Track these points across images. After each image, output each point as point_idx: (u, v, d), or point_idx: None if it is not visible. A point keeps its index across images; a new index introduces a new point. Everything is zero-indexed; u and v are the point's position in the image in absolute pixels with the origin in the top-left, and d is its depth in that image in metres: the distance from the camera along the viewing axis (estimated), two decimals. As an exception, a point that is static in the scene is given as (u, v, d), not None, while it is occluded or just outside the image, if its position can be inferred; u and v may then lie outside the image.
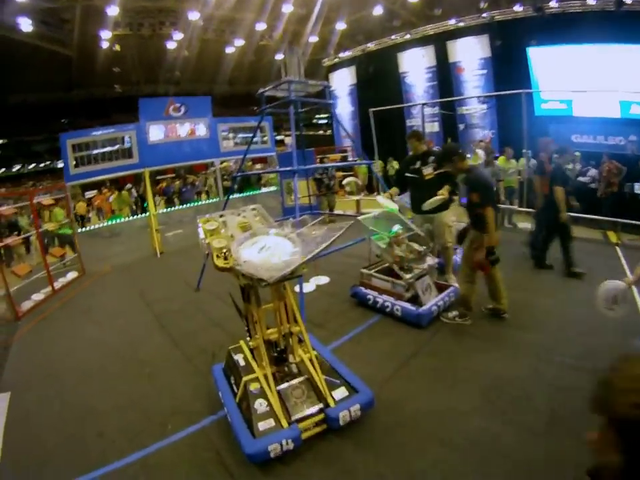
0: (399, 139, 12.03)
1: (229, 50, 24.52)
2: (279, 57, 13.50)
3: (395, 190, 5.88)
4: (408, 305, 4.92)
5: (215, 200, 13.89)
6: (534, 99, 13.22)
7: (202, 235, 3.27)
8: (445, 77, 16.36)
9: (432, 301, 5.00)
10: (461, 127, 16.21)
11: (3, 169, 30.70)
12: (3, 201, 15.40)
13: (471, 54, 15.69)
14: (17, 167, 31.35)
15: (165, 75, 26.77)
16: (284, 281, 3.01)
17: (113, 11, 18.34)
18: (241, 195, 13.10)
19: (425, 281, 5.18)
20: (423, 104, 12.68)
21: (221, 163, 13.20)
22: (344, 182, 12.58)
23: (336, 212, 11.20)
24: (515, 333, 4.48)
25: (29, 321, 6.75)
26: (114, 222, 11.90)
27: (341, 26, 20.98)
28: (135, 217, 12.81)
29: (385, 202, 5.59)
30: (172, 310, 6.31)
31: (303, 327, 3.42)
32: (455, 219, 6.25)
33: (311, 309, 5.32)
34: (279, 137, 24.27)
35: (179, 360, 4.68)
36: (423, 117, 12.09)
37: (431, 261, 5.46)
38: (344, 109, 20.11)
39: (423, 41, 17.15)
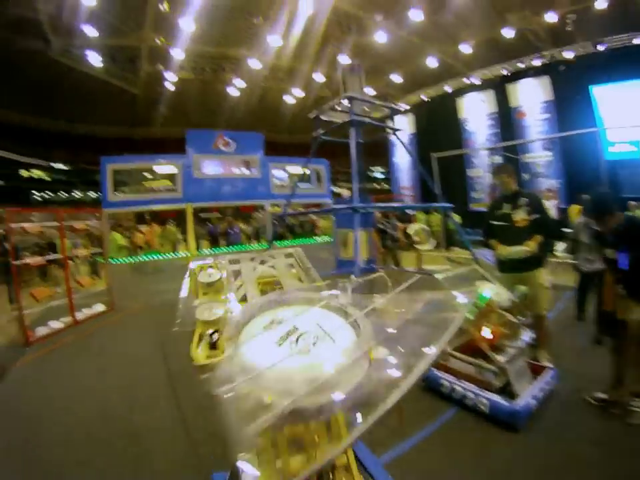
0: (459, 191, 10.85)
1: (288, 99, 24.49)
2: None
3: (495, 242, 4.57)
4: (498, 398, 3.53)
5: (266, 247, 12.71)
6: (602, 142, 11.94)
7: (185, 293, 1.91)
8: (507, 123, 15.28)
9: (529, 392, 3.61)
10: (525, 176, 14.77)
11: (65, 195, 31.56)
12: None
13: (532, 97, 14.77)
14: (78, 194, 32.15)
15: (223, 118, 27.07)
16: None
17: (177, 53, 18.60)
18: (290, 243, 11.94)
19: (519, 363, 3.79)
20: (490, 148, 11.57)
21: (271, 206, 12.00)
22: (409, 230, 11.02)
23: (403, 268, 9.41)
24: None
25: (37, 349, 6.23)
26: (159, 257, 11.11)
27: (397, 78, 20.36)
28: (179, 254, 11.91)
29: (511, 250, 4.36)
30: (191, 371, 5.04)
31: (352, 456, 1.70)
32: (551, 278, 4.80)
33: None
34: (334, 189, 23.28)
35: (179, 443, 3.50)
36: (490, 159, 10.86)
37: (527, 336, 4.05)
38: (403, 158, 19.13)
39: (482, 86, 16.39)
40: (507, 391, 3.63)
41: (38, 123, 24.34)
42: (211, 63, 21.34)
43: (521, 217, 4.32)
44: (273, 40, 17.86)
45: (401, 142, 6.06)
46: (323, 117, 5.77)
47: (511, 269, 4.39)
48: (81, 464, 3.29)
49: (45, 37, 16.56)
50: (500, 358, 3.61)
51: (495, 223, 4.50)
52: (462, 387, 3.78)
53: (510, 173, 4.53)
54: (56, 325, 7.12)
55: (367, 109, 5.73)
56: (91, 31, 16.15)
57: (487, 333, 3.71)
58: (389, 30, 16.68)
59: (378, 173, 36.14)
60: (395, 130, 5.82)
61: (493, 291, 3.98)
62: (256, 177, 11.09)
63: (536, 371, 3.97)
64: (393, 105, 5.73)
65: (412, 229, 10.72)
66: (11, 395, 4.68)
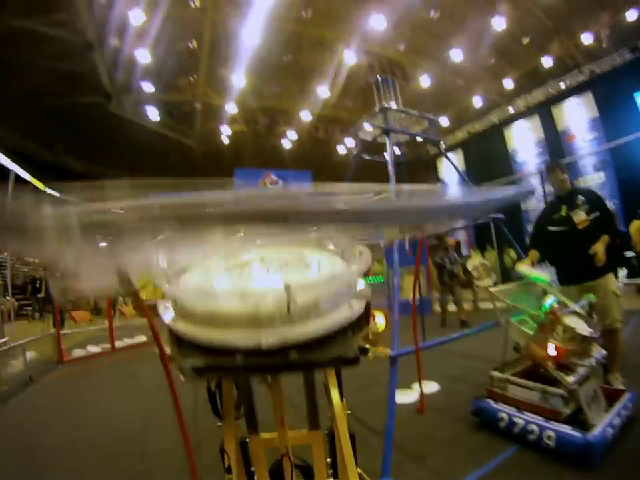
0: (514, 225, 10.02)
1: (340, 148, 24.66)
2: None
3: (534, 254, 3.95)
4: (568, 429, 2.78)
5: None
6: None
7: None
8: (556, 149, 14.39)
9: (604, 420, 2.84)
10: (581, 200, 13.55)
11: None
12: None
13: (578, 117, 14.05)
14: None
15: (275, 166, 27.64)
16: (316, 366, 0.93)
17: (230, 107, 19.42)
18: None
19: (591, 386, 3.03)
20: (540, 172, 10.93)
21: None
22: (468, 264, 10.15)
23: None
24: None
25: (68, 368, 6.45)
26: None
27: (443, 121, 20.02)
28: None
29: (530, 270, 3.72)
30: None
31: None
32: (621, 285, 4.00)
33: (408, 431, 3.45)
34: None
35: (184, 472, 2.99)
36: (542, 178, 10.18)
37: (598, 353, 3.31)
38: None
39: (526, 113, 15.81)
40: (577, 421, 2.88)
41: (101, 171, 25.81)
42: (262, 115, 21.99)
43: (582, 217, 3.71)
44: (322, 91, 18.27)
45: (445, 155, 5.60)
46: (361, 136, 5.47)
47: (574, 278, 3.75)
48: (75, 474, 3.09)
49: (105, 92, 17.84)
50: (569, 379, 2.89)
51: (553, 228, 3.88)
52: (523, 419, 3.05)
53: (564, 170, 3.95)
54: (93, 349, 7.36)
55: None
56: (148, 87, 17.25)
57: (551, 349, 3.01)
58: (431, 73, 16.61)
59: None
60: (435, 142, 5.35)
61: (556, 300, 3.31)
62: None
63: (610, 395, 3.20)
64: (430, 116, 5.27)
65: (471, 263, 9.89)
66: (29, 405, 4.78)
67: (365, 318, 0.97)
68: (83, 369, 6.29)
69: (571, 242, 3.73)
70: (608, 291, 3.66)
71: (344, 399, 1.38)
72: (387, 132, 4.47)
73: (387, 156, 4.44)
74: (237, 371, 0.84)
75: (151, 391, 4.98)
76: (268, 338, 0.75)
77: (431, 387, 4.63)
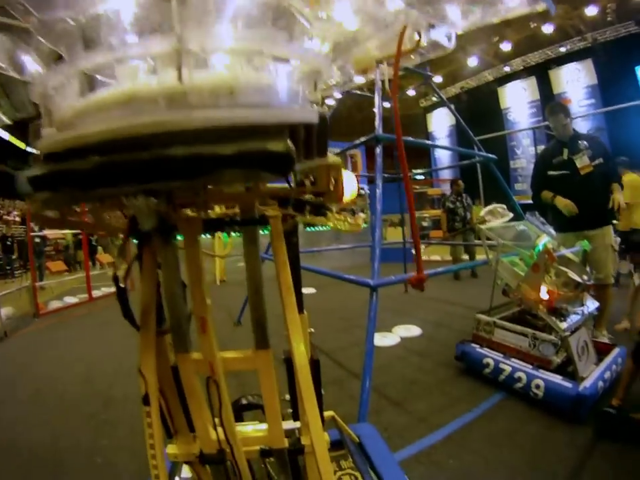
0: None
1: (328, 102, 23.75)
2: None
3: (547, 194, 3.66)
4: (559, 379, 2.57)
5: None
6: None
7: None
8: None
9: (595, 373, 2.64)
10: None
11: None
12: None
13: (575, 82, 13.56)
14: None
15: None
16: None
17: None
18: (319, 228, 11.01)
19: (580, 336, 2.80)
20: (534, 128, 10.55)
21: None
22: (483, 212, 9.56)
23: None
24: None
25: (45, 320, 6.13)
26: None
27: (437, 79, 19.13)
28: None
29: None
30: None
31: (320, 438, 0.98)
32: (618, 239, 3.78)
33: (388, 375, 3.29)
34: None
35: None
36: (535, 139, 9.82)
37: (591, 303, 3.10)
38: (443, 151, 17.92)
39: (523, 74, 15.13)
40: (566, 372, 2.68)
41: None
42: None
43: (585, 163, 3.44)
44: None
45: (435, 90, 5.17)
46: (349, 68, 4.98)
47: (573, 226, 3.49)
48: (41, 424, 2.85)
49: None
50: (562, 325, 2.66)
51: (554, 173, 3.59)
52: (510, 366, 2.83)
53: (568, 113, 3.65)
54: (71, 300, 7.09)
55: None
56: None
57: (544, 292, 2.76)
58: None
59: (418, 175, 34.99)
60: (427, 76, 4.89)
61: (551, 242, 3.04)
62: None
63: (599, 349, 3.00)
64: (422, 50, 4.76)
65: (486, 209, 9.38)
66: (11, 357, 4.52)
67: (317, 141, 0.68)
68: (59, 321, 6.04)
69: (572, 187, 3.45)
70: (605, 243, 3.45)
71: (304, 311, 1.09)
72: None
73: (376, 91, 4.02)
74: (89, 180, 0.52)
75: (125, 337, 4.69)
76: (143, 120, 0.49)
77: (413, 330, 4.45)
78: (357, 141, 3.76)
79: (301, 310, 1.07)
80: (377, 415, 2.63)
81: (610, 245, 3.48)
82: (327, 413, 1.72)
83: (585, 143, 3.50)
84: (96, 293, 7.41)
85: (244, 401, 1.34)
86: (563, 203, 3.42)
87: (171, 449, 1.05)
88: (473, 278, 7.50)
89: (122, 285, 0.86)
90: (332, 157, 0.79)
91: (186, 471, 1.30)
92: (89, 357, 4.23)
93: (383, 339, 4.13)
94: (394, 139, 4.87)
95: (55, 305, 6.85)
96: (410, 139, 4.34)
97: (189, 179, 0.53)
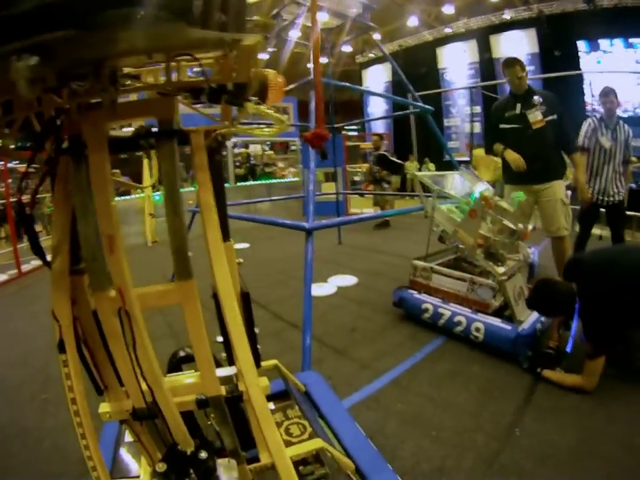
0: (434, 140, 9.93)
1: (263, 56, 22.53)
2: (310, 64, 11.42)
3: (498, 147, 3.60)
4: (497, 321, 2.65)
5: (226, 185, 11.16)
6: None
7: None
8: (488, 74, 13.90)
9: (532, 317, 2.70)
10: (506, 127, 13.77)
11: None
12: None
13: (517, 49, 13.43)
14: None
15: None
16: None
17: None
18: (251, 183, 10.62)
19: (516, 281, 2.87)
20: (471, 87, 10.68)
21: (233, 146, 10.69)
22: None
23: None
24: None
25: None
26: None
27: (375, 37, 18.70)
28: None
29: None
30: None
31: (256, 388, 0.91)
32: (570, 193, 3.82)
33: (328, 324, 3.25)
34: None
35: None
36: (471, 100, 9.95)
37: (526, 250, 3.21)
38: (377, 107, 17.74)
39: (464, 36, 14.97)
40: (503, 316, 2.76)
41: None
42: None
43: (537, 118, 3.39)
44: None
45: (377, 44, 4.98)
46: (286, 16, 4.63)
47: (523, 180, 3.46)
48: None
49: None
50: (499, 270, 2.69)
51: (506, 126, 3.54)
52: (450, 310, 2.86)
53: (523, 67, 3.54)
54: (2, 277, 6.37)
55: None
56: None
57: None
58: None
59: (352, 131, 35.03)
60: (371, 27, 4.68)
61: (488, 191, 3.04)
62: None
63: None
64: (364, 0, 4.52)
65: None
66: None
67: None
68: None
69: (523, 142, 3.42)
70: (556, 198, 3.44)
71: (230, 239, 0.91)
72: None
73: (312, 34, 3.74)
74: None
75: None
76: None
77: (349, 280, 4.43)
78: (292, 85, 3.51)
79: (227, 237, 0.94)
80: (319, 364, 2.57)
81: (560, 199, 3.46)
82: (270, 362, 1.63)
83: (539, 98, 3.45)
84: (26, 268, 6.65)
85: (182, 353, 1.20)
86: (512, 157, 3.38)
87: (103, 407, 0.90)
88: (384, 228, 7.61)
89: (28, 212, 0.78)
90: (257, 36, 0.68)
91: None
92: (22, 336, 3.81)
93: (319, 289, 4.07)
94: (331, 84, 4.69)
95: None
96: (346, 84, 4.17)
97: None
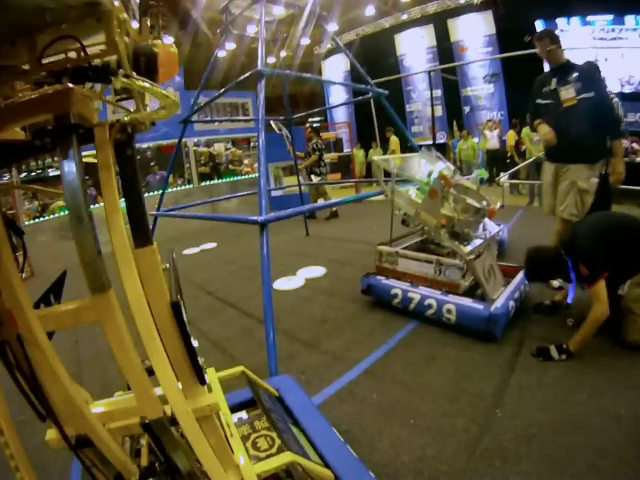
0: (397, 126, 10.01)
1: (221, 53, 21.90)
2: (271, 59, 10.99)
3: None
4: (468, 301, 2.61)
5: (189, 187, 10.62)
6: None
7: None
8: (447, 58, 14.06)
9: (505, 294, 2.68)
10: (466, 109, 14.01)
11: None
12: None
13: (474, 32, 13.71)
14: None
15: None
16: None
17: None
18: (216, 182, 10.27)
19: (485, 260, 2.84)
20: (429, 71, 10.71)
21: (194, 145, 10.31)
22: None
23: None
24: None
25: None
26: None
27: (332, 27, 18.47)
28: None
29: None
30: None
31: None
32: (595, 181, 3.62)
33: (298, 317, 3.18)
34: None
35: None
36: (431, 84, 10.01)
37: (492, 226, 3.18)
38: (338, 96, 17.61)
39: (421, 21, 15.01)
40: (475, 295, 2.74)
41: None
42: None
43: (569, 95, 3.25)
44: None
45: (328, 32, 4.86)
46: (234, 10, 4.53)
47: (553, 156, 3.36)
48: None
49: None
50: (465, 249, 2.66)
51: (542, 101, 3.44)
52: (419, 293, 2.81)
53: (555, 39, 3.38)
54: None
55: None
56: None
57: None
58: None
59: (315, 123, 34.85)
60: (320, 17, 4.55)
61: (447, 170, 3.01)
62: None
63: (507, 272, 3.06)
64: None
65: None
66: None
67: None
68: None
69: (555, 118, 3.29)
70: (572, 180, 3.25)
71: (153, 242, 0.81)
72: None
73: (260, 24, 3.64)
74: None
75: None
76: None
77: (317, 271, 4.36)
78: (239, 78, 3.38)
79: (147, 241, 0.81)
80: (291, 359, 2.49)
81: (575, 183, 3.25)
82: (237, 368, 1.53)
83: (577, 74, 3.28)
84: None
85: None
86: (543, 130, 3.28)
87: (49, 434, 0.82)
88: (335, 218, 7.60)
89: None
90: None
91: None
92: None
93: (288, 283, 4.02)
94: (280, 74, 4.57)
95: None
96: (294, 73, 4.06)
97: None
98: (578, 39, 11.37)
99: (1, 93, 0.65)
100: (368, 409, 1.96)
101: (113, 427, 0.78)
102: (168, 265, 0.89)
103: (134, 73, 0.70)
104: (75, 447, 0.78)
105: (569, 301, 2.41)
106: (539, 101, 3.45)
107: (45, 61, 0.68)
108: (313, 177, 7.76)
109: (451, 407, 1.91)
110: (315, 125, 13.28)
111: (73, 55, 0.70)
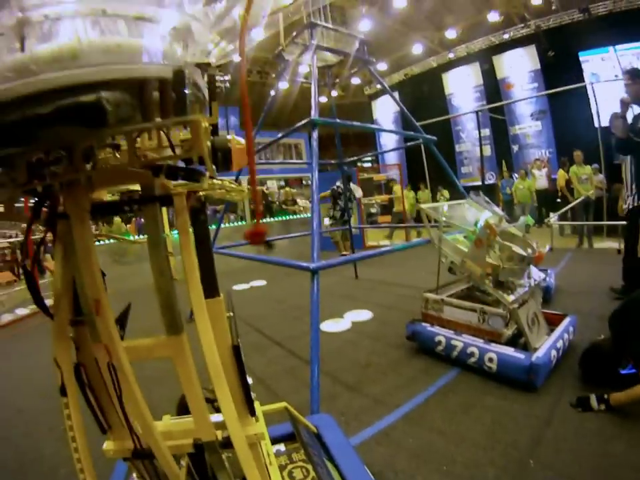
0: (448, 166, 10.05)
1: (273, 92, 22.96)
2: (323, 99, 11.67)
3: None
4: (510, 351, 2.62)
5: (241, 223, 10.82)
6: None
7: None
8: (494, 96, 14.06)
9: (547, 343, 2.68)
10: (515, 148, 13.84)
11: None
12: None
13: (519, 67, 13.73)
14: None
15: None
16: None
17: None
18: (268, 220, 10.71)
19: (529, 308, 2.86)
20: (477, 111, 10.76)
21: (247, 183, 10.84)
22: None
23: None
24: None
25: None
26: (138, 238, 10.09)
27: (381, 66, 19.16)
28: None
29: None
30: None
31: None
32: None
33: (342, 360, 3.27)
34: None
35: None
36: (479, 124, 10.09)
37: (537, 274, 3.18)
38: (389, 137, 17.97)
39: (467, 59, 15.25)
40: (518, 344, 2.75)
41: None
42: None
43: None
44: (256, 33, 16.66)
45: (376, 76, 5.10)
46: (287, 57, 4.91)
47: None
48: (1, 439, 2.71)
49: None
50: (509, 298, 2.71)
51: (635, 138, 3.48)
52: (462, 341, 2.86)
53: (630, 76, 3.48)
54: (23, 311, 6.65)
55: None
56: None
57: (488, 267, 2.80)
58: (373, 19, 15.54)
59: (366, 163, 35.19)
60: (367, 60, 4.83)
61: (493, 218, 3.09)
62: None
63: (550, 320, 3.06)
64: (360, 36, 4.76)
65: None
66: None
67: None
68: (12, 334, 5.66)
69: None
70: None
71: (220, 294, 1.00)
72: (311, 30, 4.09)
73: (312, 75, 3.94)
74: None
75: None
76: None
77: (364, 315, 4.45)
78: (294, 126, 3.66)
79: (215, 292, 1.00)
80: (332, 400, 2.58)
81: None
82: (280, 404, 1.67)
83: None
84: (49, 302, 6.89)
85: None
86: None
87: (107, 445, 0.98)
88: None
89: (29, 269, 0.84)
90: (195, 116, 0.74)
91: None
92: (44, 368, 3.89)
93: (335, 325, 4.14)
94: (331, 124, 4.85)
95: (6, 318, 6.40)
96: (345, 122, 4.33)
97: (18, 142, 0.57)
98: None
99: (96, 159, 0.80)
100: (403, 452, 2.02)
101: (169, 445, 0.94)
102: (231, 314, 1.08)
103: (214, 169, 0.89)
104: (134, 457, 0.95)
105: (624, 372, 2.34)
106: (635, 138, 3.45)
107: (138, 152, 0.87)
108: (326, 219, 7.87)
109: (484, 456, 1.93)
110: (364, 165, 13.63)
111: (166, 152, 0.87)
